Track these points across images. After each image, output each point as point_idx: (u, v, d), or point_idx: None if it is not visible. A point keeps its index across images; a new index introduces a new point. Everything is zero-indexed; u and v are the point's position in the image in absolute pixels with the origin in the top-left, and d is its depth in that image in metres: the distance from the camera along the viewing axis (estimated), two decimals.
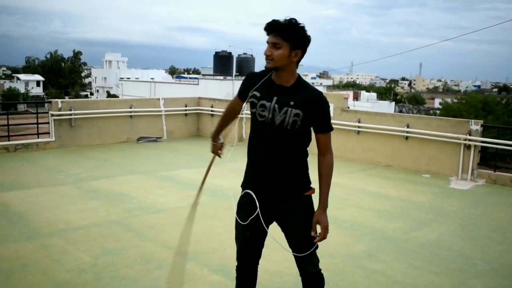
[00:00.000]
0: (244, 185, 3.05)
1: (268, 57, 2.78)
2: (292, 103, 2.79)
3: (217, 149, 3.56)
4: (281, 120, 2.80)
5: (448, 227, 6.17)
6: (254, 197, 2.93)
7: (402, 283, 4.41)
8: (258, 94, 2.89)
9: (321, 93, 2.87)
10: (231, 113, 3.35)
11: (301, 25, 2.76)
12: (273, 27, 2.76)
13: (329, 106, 2.89)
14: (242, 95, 3.05)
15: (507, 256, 5.22)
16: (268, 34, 2.80)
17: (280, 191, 2.89)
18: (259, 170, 2.93)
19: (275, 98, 2.83)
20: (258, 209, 2.90)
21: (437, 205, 7.15)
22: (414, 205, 7.10)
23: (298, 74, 2.90)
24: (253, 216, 2.91)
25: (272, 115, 2.82)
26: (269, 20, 2.79)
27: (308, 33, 2.80)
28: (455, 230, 6.05)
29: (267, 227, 2.97)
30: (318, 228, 2.90)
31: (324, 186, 2.89)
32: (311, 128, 2.89)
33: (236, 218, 3.06)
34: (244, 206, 3.01)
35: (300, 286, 3.13)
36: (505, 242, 5.70)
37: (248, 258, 3.13)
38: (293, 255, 2.97)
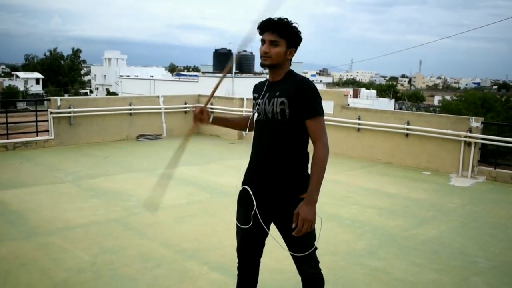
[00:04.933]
0: (243, 183, 3.06)
1: (266, 55, 2.80)
2: (278, 93, 2.84)
3: (199, 112, 3.14)
4: (271, 112, 2.84)
5: (448, 224, 6.15)
6: (251, 193, 2.92)
7: (403, 280, 4.39)
8: (256, 96, 3.02)
9: (306, 79, 2.86)
10: (246, 120, 3.24)
11: (294, 23, 2.81)
12: (270, 25, 2.78)
13: (314, 91, 2.81)
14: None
15: (508, 254, 5.20)
16: (263, 33, 2.82)
17: (276, 192, 2.86)
18: (257, 168, 2.94)
19: (267, 94, 2.91)
20: (255, 206, 2.90)
21: (437, 202, 7.12)
22: (415, 202, 7.08)
23: (290, 69, 2.93)
24: (252, 213, 2.90)
25: (264, 110, 2.88)
26: (263, 19, 2.80)
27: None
28: (456, 228, 6.03)
29: (267, 226, 2.95)
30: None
31: (312, 178, 2.74)
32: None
33: (236, 215, 3.08)
34: (241, 202, 3.04)
35: (300, 284, 3.11)
36: (506, 239, 5.68)
37: (247, 255, 3.11)
38: (291, 255, 2.93)
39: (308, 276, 2.97)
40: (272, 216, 2.93)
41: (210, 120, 3.15)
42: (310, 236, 2.85)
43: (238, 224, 3.07)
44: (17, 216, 5.88)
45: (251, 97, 3.13)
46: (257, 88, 3.06)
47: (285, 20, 2.77)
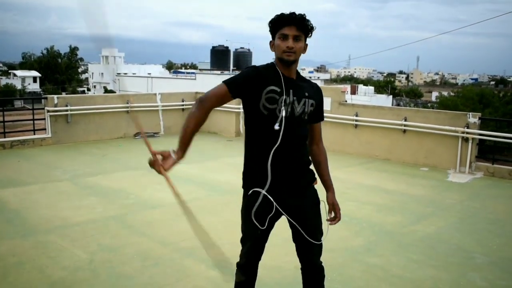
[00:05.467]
0: (250, 185, 2.88)
1: (291, 50, 2.74)
2: (306, 94, 2.86)
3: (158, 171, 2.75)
4: (301, 112, 2.83)
5: (446, 220, 6.15)
6: (270, 197, 2.81)
7: (401, 277, 4.39)
8: (278, 89, 2.76)
9: (317, 83, 3.09)
10: (207, 114, 2.91)
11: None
12: (295, 20, 2.73)
13: None
14: (238, 90, 2.78)
15: (506, 249, 5.20)
16: (283, 26, 2.74)
17: (296, 185, 2.87)
18: (284, 165, 2.81)
19: (291, 91, 2.79)
20: (276, 206, 2.82)
21: (435, 199, 7.13)
22: (413, 199, 7.08)
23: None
24: (271, 215, 2.83)
25: (291, 108, 2.79)
26: (284, 12, 2.77)
27: None
28: (454, 224, 6.03)
29: (272, 225, 2.95)
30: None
31: (327, 172, 3.09)
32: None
33: (244, 219, 2.97)
34: (252, 206, 2.85)
35: (298, 281, 3.11)
36: (504, 235, 5.69)
37: (256, 257, 3.07)
38: (301, 247, 2.98)
39: (316, 267, 3.03)
40: (288, 207, 2.86)
41: (173, 159, 2.81)
42: (320, 225, 3.00)
43: (249, 227, 2.93)
44: (15, 215, 5.87)
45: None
46: (270, 79, 2.78)
47: (303, 14, 2.78)
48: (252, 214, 2.85)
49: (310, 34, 2.83)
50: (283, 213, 2.87)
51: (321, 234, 2.99)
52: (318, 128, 3.05)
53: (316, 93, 2.94)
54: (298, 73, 2.92)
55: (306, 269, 3.04)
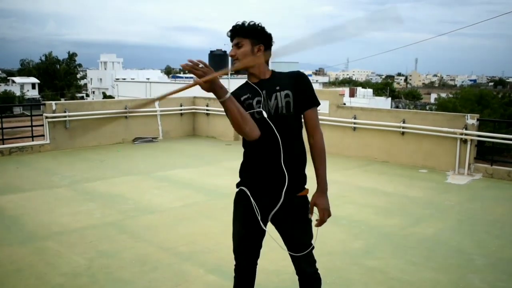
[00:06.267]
0: (240, 184, 3.00)
1: (233, 57, 2.84)
2: (277, 87, 2.81)
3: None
4: (274, 107, 2.79)
5: (445, 222, 6.14)
6: (249, 194, 2.88)
7: (400, 279, 4.38)
8: (249, 95, 2.84)
9: (298, 71, 2.94)
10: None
11: (257, 24, 2.85)
12: (232, 31, 2.84)
13: (310, 81, 2.91)
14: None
15: (505, 251, 5.20)
16: (232, 40, 2.87)
17: (279, 191, 2.82)
18: (266, 168, 2.84)
19: (263, 91, 2.83)
20: (256, 207, 2.86)
21: (434, 200, 7.12)
22: (411, 201, 7.07)
23: (272, 70, 2.94)
24: (258, 216, 2.86)
25: (266, 107, 2.80)
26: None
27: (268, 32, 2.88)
28: (453, 225, 6.02)
29: (265, 226, 2.94)
30: (316, 215, 2.87)
31: (319, 168, 2.86)
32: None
33: (233, 217, 3.04)
34: (239, 204, 2.98)
35: (296, 285, 3.10)
36: (502, 236, 5.68)
37: (245, 257, 3.08)
38: (290, 255, 2.93)
39: (306, 275, 2.96)
40: (272, 217, 2.90)
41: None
42: (308, 235, 2.89)
43: (236, 226, 3.04)
44: (13, 221, 5.86)
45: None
46: (243, 89, 2.88)
47: (242, 22, 2.86)
48: (239, 215, 2.96)
49: (256, 35, 2.83)
50: (261, 222, 2.87)
51: (306, 245, 2.87)
52: (310, 115, 2.85)
53: (292, 82, 2.84)
54: (275, 72, 2.92)
55: (299, 276, 3.02)
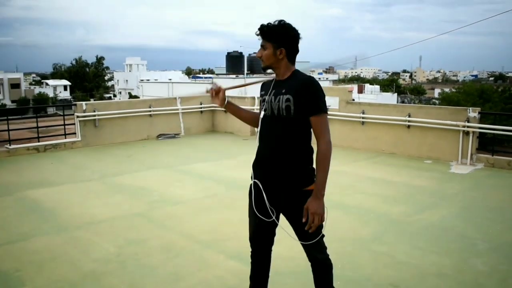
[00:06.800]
0: (252, 176, 3.04)
1: (259, 58, 2.91)
2: (283, 90, 2.83)
3: (217, 90, 3.18)
4: (277, 108, 2.83)
5: (449, 209, 6.09)
6: (261, 187, 2.91)
7: (406, 263, 4.36)
8: (263, 93, 3.01)
9: (310, 77, 2.86)
10: (257, 116, 3.08)
11: (283, 24, 2.82)
12: (259, 32, 2.87)
13: (318, 89, 2.79)
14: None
15: (506, 235, 5.14)
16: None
17: (283, 185, 2.84)
18: (263, 162, 2.93)
19: (273, 91, 2.90)
20: (266, 199, 2.89)
21: (438, 189, 7.06)
22: (417, 190, 7.02)
23: (295, 69, 2.91)
24: (267, 205, 2.91)
25: (270, 106, 2.87)
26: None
27: (294, 31, 2.84)
28: (456, 212, 5.97)
29: (277, 217, 2.96)
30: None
31: (318, 174, 2.76)
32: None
33: (248, 206, 3.08)
34: (252, 195, 3.01)
35: (311, 271, 3.10)
36: (503, 222, 5.62)
37: (260, 244, 3.11)
38: (301, 243, 2.93)
39: (317, 261, 2.96)
40: (281, 208, 2.93)
41: (225, 102, 3.15)
42: (316, 226, 2.84)
43: (251, 216, 3.07)
44: (49, 213, 5.94)
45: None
46: (265, 86, 3.04)
47: (271, 23, 2.84)
48: (252, 204, 3.00)
49: (279, 40, 2.81)
50: (271, 208, 2.91)
51: (315, 233, 2.81)
52: (314, 121, 2.78)
53: (297, 88, 2.78)
54: (294, 73, 2.87)
55: (311, 262, 3.02)
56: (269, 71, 2.97)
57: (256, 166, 2.99)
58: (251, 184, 3.04)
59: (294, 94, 2.78)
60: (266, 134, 2.91)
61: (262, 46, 2.87)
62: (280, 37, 2.81)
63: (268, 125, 2.90)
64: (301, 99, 2.77)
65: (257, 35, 2.88)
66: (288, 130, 2.82)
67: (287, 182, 2.83)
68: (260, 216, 2.94)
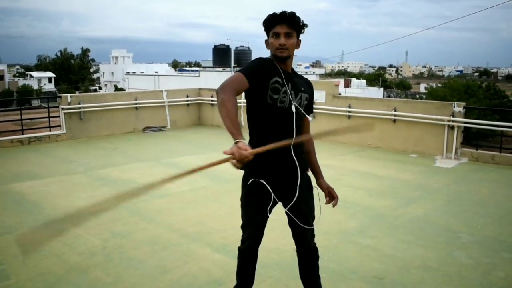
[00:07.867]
0: (251, 174, 2.89)
1: (283, 47, 2.72)
2: (302, 88, 2.88)
3: (244, 156, 2.44)
4: (298, 104, 2.83)
5: (434, 203, 6.15)
6: (268, 186, 2.82)
7: (392, 256, 4.40)
8: (280, 81, 2.75)
9: (309, 80, 3.11)
10: (234, 96, 2.59)
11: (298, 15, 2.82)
12: (285, 18, 2.71)
13: None
14: (252, 78, 2.66)
15: (489, 229, 5.21)
16: (275, 25, 2.72)
17: (292, 172, 2.81)
18: (280, 156, 2.76)
19: (289, 85, 2.80)
20: (274, 197, 2.84)
21: (423, 183, 7.13)
22: (402, 183, 7.08)
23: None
24: (270, 205, 2.87)
25: (289, 100, 2.78)
26: (276, 12, 2.75)
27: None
28: (441, 206, 6.03)
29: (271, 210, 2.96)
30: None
31: (317, 160, 3.10)
32: None
33: (244, 206, 2.99)
34: (254, 195, 2.88)
35: (295, 261, 3.12)
36: (487, 215, 5.69)
37: (256, 242, 3.06)
38: (297, 230, 2.97)
39: (310, 248, 3.05)
40: (287, 199, 2.86)
41: (243, 142, 2.51)
42: (314, 210, 3.00)
43: (252, 215, 2.95)
44: (34, 205, 5.88)
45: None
46: (270, 70, 2.74)
47: (291, 12, 2.74)
48: (254, 203, 2.90)
49: (302, 31, 2.80)
50: (278, 201, 2.89)
51: (313, 218, 2.98)
52: (307, 121, 2.99)
53: (309, 88, 2.96)
54: (293, 69, 2.92)
55: (301, 251, 3.04)
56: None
57: (265, 161, 2.74)
58: (250, 184, 2.88)
59: (310, 94, 2.95)
60: (286, 126, 2.78)
61: (287, 33, 2.70)
62: (302, 27, 2.78)
63: (287, 119, 2.79)
64: (310, 101, 2.98)
65: (282, 20, 2.69)
66: (301, 124, 2.94)
67: (300, 167, 2.83)
68: (269, 216, 2.90)
